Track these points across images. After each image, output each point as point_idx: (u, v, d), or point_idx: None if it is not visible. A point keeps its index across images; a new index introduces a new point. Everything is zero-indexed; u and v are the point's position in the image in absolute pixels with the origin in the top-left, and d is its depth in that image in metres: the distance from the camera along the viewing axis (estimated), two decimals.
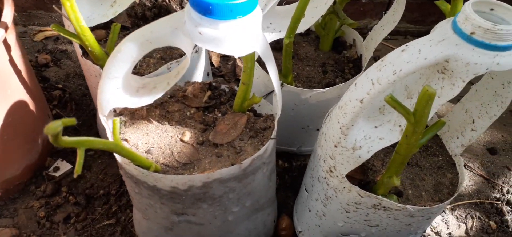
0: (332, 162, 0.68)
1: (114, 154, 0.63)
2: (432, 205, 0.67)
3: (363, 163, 0.72)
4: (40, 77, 1.27)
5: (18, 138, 0.94)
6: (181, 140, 0.72)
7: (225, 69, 1.37)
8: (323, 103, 0.89)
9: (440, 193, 0.71)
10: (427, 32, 0.57)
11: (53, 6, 0.72)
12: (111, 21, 0.83)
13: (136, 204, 0.79)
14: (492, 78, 0.66)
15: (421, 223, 0.72)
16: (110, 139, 0.66)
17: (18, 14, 1.48)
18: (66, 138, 0.48)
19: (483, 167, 1.18)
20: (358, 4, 1.49)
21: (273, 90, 0.68)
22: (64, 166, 1.06)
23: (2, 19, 0.80)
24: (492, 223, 1.05)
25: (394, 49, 0.58)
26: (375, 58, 1.40)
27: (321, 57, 1.00)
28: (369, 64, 0.66)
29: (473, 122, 0.70)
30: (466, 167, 1.17)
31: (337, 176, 0.68)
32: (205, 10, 0.50)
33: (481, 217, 1.06)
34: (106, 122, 0.66)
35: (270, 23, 0.85)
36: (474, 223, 1.05)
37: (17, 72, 0.88)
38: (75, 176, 0.52)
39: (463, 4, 0.52)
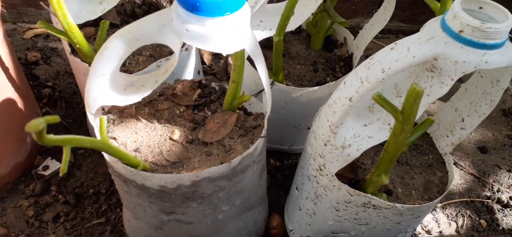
0: (322, 160, 0.67)
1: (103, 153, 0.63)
2: (421, 203, 0.67)
3: (353, 161, 0.72)
4: (30, 75, 1.26)
5: (7, 137, 0.93)
6: (171, 138, 0.71)
7: (217, 68, 1.36)
8: (314, 101, 0.89)
9: (430, 191, 0.71)
10: (418, 31, 0.57)
11: (41, 2, 0.71)
12: (100, 19, 0.82)
13: (126, 203, 0.78)
14: (481, 76, 0.66)
15: (411, 221, 0.72)
16: (98, 137, 0.66)
17: (8, 11, 1.46)
18: (52, 136, 0.48)
19: (474, 166, 1.18)
20: (350, 3, 1.49)
21: (264, 89, 0.67)
22: (53, 165, 1.05)
23: None
24: (482, 221, 1.05)
25: None
26: (366, 56, 1.39)
27: (312, 56, 1.00)
28: (359, 63, 0.66)
29: (463, 120, 0.71)
30: (457, 165, 1.17)
31: (326, 175, 0.68)
32: (192, 7, 0.49)
33: (472, 216, 1.06)
34: (94, 120, 0.66)
35: (261, 21, 0.85)
36: (465, 222, 1.05)
37: (5, 70, 0.87)
38: (61, 174, 0.51)
39: (452, 2, 0.52)
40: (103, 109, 0.73)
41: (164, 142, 0.70)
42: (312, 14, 0.97)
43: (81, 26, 0.89)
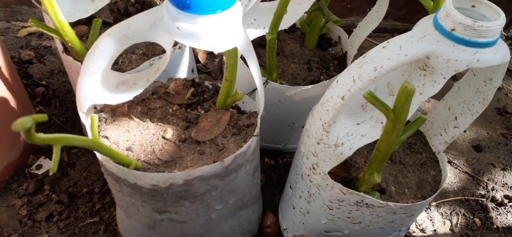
0: (315, 159, 0.67)
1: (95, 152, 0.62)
2: (414, 202, 0.66)
3: (346, 160, 0.72)
4: (23, 74, 1.25)
5: None
6: (163, 137, 0.71)
7: (212, 66, 1.36)
8: (308, 100, 0.89)
9: (423, 190, 0.71)
10: None
11: (33, 0, 0.70)
12: (93, 17, 0.82)
13: (118, 202, 0.78)
14: (474, 75, 0.66)
15: (404, 220, 0.71)
16: (90, 136, 0.65)
17: (1, 9, 1.45)
18: (41, 135, 0.47)
19: (468, 164, 1.18)
20: (345, 1, 1.49)
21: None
22: (47, 164, 1.04)
23: None
24: (477, 219, 1.05)
25: None
26: (360, 55, 1.39)
27: (306, 54, 1.00)
28: (353, 61, 0.66)
29: (456, 119, 0.70)
30: (452, 164, 1.18)
31: (319, 173, 0.68)
32: (183, 5, 0.49)
33: (466, 214, 1.06)
34: (85, 118, 0.65)
35: (254, 20, 0.85)
36: (459, 220, 1.05)
37: None
38: (51, 173, 0.51)
39: (445, 1, 0.52)
40: (95, 108, 0.72)
41: (156, 140, 0.70)
42: (306, 12, 0.97)
43: (74, 25, 0.88)
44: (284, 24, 0.84)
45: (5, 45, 0.93)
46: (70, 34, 0.72)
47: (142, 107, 0.74)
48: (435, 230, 1.02)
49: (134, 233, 0.82)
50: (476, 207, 1.08)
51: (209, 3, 0.49)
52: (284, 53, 0.99)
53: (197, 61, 1.35)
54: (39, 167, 1.03)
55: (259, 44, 0.99)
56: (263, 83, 0.86)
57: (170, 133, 0.71)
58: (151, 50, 0.86)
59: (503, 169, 1.18)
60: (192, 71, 1.00)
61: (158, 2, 0.96)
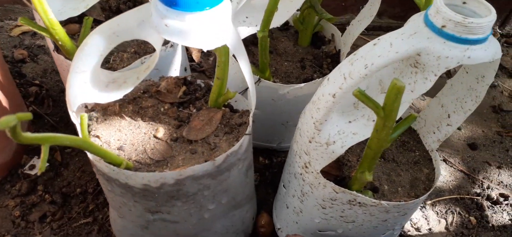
0: (307, 157, 0.67)
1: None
2: (407, 200, 0.66)
3: (338, 158, 0.72)
4: (16, 73, 1.25)
5: None
6: (155, 136, 0.70)
7: (206, 65, 1.35)
8: (301, 98, 0.88)
9: (416, 188, 0.71)
10: None
11: None
12: (84, 15, 0.81)
13: (111, 202, 0.78)
14: (467, 72, 0.66)
15: (397, 219, 0.71)
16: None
17: None
18: (28, 134, 0.47)
19: (463, 162, 1.18)
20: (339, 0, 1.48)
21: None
22: (40, 164, 1.03)
23: None
24: (472, 218, 1.05)
25: None
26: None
27: (299, 53, 0.99)
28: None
29: (449, 117, 0.70)
30: (447, 162, 1.17)
31: (312, 172, 0.67)
32: (171, 2, 0.48)
33: (461, 213, 1.06)
34: (75, 117, 0.65)
35: (246, 17, 0.84)
36: (454, 219, 1.05)
37: None
38: (38, 173, 0.50)
39: None
40: (86, 107, 0.72)
41: (148, 140, 0.70)
42: (299, 10, 0.97)
43: (65, 23, 0.88)
44: (277, 22, 0.84)
45: None
46: (60, 33, 0.71)
47: (134, 106, 0.74)
48: (430, 229, 1.02)
49: (127, 233, 0.82)
50: (472, 205, 1.08)
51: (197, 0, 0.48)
52: (277, 51, 0.99)
53: (191, 60, 1.34)
54: (33, 167, 1.03)
55: (252, 42, 0.98)
56: (256, 82, 0.86)
57: (161, 132, 0.71)
58: (142, 48, 0.85)
59: (499, 167, 1.18)
60: (185, 69, 0.99)
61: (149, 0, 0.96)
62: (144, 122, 0.72)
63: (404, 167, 0.74)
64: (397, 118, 0.58)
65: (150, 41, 0.56)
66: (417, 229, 1.01)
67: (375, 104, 0.49)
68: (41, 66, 1.30)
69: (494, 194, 1.10)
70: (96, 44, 0.56)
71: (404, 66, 0.58)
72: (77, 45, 0.78)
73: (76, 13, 0.77)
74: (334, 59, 0.97)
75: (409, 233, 1.00)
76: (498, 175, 1.16)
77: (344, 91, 0.56)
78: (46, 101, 1.19)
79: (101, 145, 0.67)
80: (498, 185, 1.13)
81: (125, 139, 0.69)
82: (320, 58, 0.97)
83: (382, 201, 0.64)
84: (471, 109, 0.66)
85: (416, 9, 0.72)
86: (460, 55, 0.50)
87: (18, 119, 0.40)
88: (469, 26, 0.49)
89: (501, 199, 1.09)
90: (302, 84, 0.85)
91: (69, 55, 0.78)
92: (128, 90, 0.65)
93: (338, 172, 0.72)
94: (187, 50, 1.34)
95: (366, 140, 0.62)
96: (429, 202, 1.07)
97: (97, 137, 0.69)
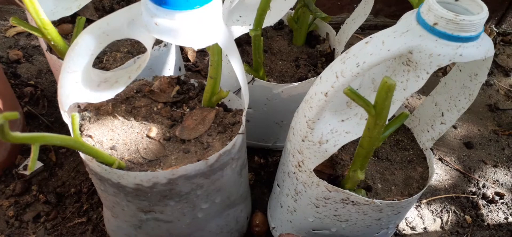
0: (300, 156, 0.67)
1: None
2: (400, 199, 0.66)
3: (332, 157, 0.72)
4: (11, 73, 1.24)
5: None
6: (148, 136, 0.70)
7: (202, 65, 1.35)
8: (296, 98, 0.88)
9: (410, 187, 0.71)
10: None
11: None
12: (77, 15, 0.81)
13: (104, 201, 0.77)
14: (460, 70, 0.65)
15: (391, 217, 0.71)
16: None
17: None
18: (18, 134, 0.47)
19: (459, 161, 1.18)
20: None
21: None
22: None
23: None
24: (467, 217, 1.05)
25: None
26: None
27: (294, 52, 0.99)
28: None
29: (443, 115, 0.70)
30: (442, 161, 1.17)
31: (305, 171, 0.67)
32: (161, 0, 0.48)
33: (457, 211, 1.06)
34: (67, 117, 0.64)
35: (240, 16, 0.84)
36: (450, 217, 1.05)
37: None
38: (28, 173, 0.50)
39: None
40: (79, 107, 0.72)
41: (141, 139, 0.69)
42: (293, 9, 0.97)
43: (59, 23, 0.87)
44: (270, 21, 0.83)
45: None
46: (52, 33, 0.71)
47: (127, 106, 0.73)
48: (425, 228, 1.02)
49: (121, 233, 0.81)
50: (467, 204, 1.08)
51: None
52: (272, 50, 0.98)
53: (187, 59, 1.34)
54: (27, 167, 1.02)
55: (246, 41, 0.98)
56: (250, 81, 0.86)
57: (154, 131, 0.70)
58: (136, 48, 0.85)
59: (494, 166, 1.18)
60: (180, 69, 0.99)
61: None
62: (137, 121, 0.72)
63: (398, 166, 0.74)
64: (390, 116, 0.58)
65: (141, 40, 0.56)
66: (412, 228, 1.01)
67: (365, 102, 0.49)
68: (36, 66, 1.29)
69: (489, 193, 1.10)
70: (87, 44, 0.56)
71: (396, 64, 0.58)
72: (70, 45, 0.77)
73: (69, 12, 0.77)
74: (329, 58, 0.97)
75: (404, 232, 1.00)
76: (494, 174, 1.16)
77: (336, 90, 0.56)
78: (41, 102, 1.18)
79: (93, 145, 0.67)
80: (494, 183, 1.13)
81: (118, 138, 0.69)
82: (315, 57, 0.97)
83: (375, 200, 0.64)
84: (464, 108, 0.66)
85: (412, 8, 0.72)
86: (452, 53, 0.50)
87: (4, 118, 0.39)
88: (461, 23, 0.48)
89: (497, 198, 1.09)
90: (296, 84, 0.85)
91: (61, 55, 0.77)
92: (119, 89, 0.65)
93: (332, 170, 0.71)
94: (182, 50, 1.34)
95: (360, 138, 0.62)
96: (424, 200, 1.07)
97: (90, 136, 0.69)
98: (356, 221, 0.70)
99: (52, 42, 0.73)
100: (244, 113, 0.69)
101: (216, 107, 0.74)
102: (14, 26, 1.40)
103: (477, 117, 1.31)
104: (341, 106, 0.64)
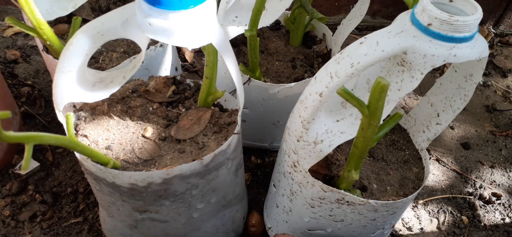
0: (296, 156, 0.67)
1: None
2: (395, 199, 0.66)
3: (327, 157, 0.72)
4: (8, 73, 1.24)
5: None
6: (143, 136, 0.70)
7: (199, 65, 1.35)
8: (292, 98, 0.88)
9: (405, 187, 0.71)
10: None
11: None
12: (74, 15, 0.81)
13: (100, 201, 0.77)
14: (456, 71, 0.65)
15: (386, 218, 0.71)
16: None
17: None
18: (11, 133, 0.47)
19: (456, 162, 1.18)
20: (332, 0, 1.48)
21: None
22: (31, 164, 1.03)
23: None
24: (464, 217, 1.05)
25: None
26: None
27: (291, 52, 0.99)
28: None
29: (438, 116, 0.70)
30: (440, 161, 1.17)
31: (300, 171, 0.67)
32: (154, 0, 0.48)
33: (454, 212, 1.06)
34: (62, 117, 0.64)
35: (236, 17, 0.84)
36: (446, 218, 1.05)
37: None
38: (22, 172, 0.50)
39: None
40: (74, 106, 0.71)
41: (136, 139, 0.69)
42: (289, 9, 0.97)
43: (55, 23, 0.87)
44: (266, 21, 0.83)
45: None
46: (48, 32, 0.71)
47: (122, 105, 0.73)
48: (422, 228, 1.02)
49: (117, 232, 0.81)
50: (464, 205, 1.08)
51: None
52: (268, 51, 0.98)
53: (184, 60, 1.34)
54: None
55: (243, 42, 0.98)
56: (246, 81, 0.86)
57: (150, 131, 0.70)
58: (132, 48, 0.85)
59: (491, 167, 1.18)
60: (176, 69, 0.99)
61: None
62: (132, 121, 0.72)
63: (394, 166, 0.74)
64: (385, 117, 0.58)
65: (136, 40, 0.56)
66: (409, 229, 1.01)
67: (359, 102, 0.49)
68: (33, 66, 1.29)
69: (486, 194, 1.10)
70: (81, 43, 0.56)
71: (391, 65, 0.58)
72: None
73: (64, 13, 0.77)
74: (325, 59, 0.97)
75: (400, 232, 1.00)
76: (491, 175, 1.16)
77: (331, 90, 0.56)
78: (38, 102, 1.18)
79: (89, 144, 0.67)
80: (491, 184, 1.13)
81: (113, 138, 0.69)
82: (311, 58, 0.97)
83: (370, 200, 0.64)
84: (459, 108, 0.66)
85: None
86: (446, 53, 0.50)
87: None
88: (455, 24, 0.48)
89: (494, 199, 1.09)
90: (292, 84, 0.85)
91: (57, 55, 0.77)
92: (114, 89, 0.65)
93: (327, 171, 0.71)
94: (180, 50, 1.34)
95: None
96: (421, 201, 1.07)
97: (85, 136, 0.68)
98: (352, 221, 0.70)
99: (48, 42, 0.73)
100: (239, 114, 0.69)
101: (212, 107, 0.74)
102: (12, 26, 1.40)
103: (474, 118, 1.31)
104: (336, 107, 0.64)
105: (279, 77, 0.92)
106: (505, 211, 1.08)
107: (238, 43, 0.98)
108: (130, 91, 0.75)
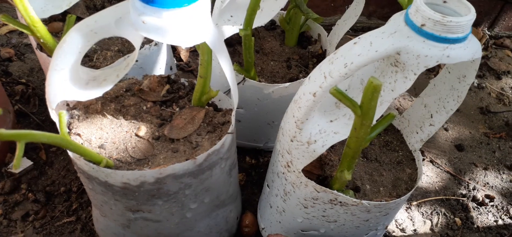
0: (289, 156, 0.67)
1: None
2: (388, 200, 0.66)
3: (320, 157, 0.72)
4: (2, 71, 1.23)
5: None
6: (136, 135, 0.70)
7: (195, 65, 1.35)
8: (286, 98, 0.88)
9: (398, 188, 0.71)
10: None
11: None
12: (68, 13, 0.81)
13: (92, 200, 0.77)
14: (449, 72, 0.66)
15: (379, 219, 0.71)
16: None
17: None
18: (3, 131, 0.47)
19: (450, 163, 1.18)
20: (328, 0, 1.48)
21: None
22: (24, 163, 1.02)
23: None
24: (457, 219, 1.05)
25: None
26: None
27: (286, 52, 0.99)
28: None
29: (432, 117, 0.70)
30: (433, 163, 1.17)
31: (294, 171, 0.67)
32: None
33: (447, 214, 1.06)
34: (55, 115, 0.64)
35: (231, 16, 0.84)
36: (440, 220, 1.05)
37: None
38: (13, 170, 0.50)
39: None
40: (68, 105, 0.71)
41: (129, 138, 0.69)
42: (283, 9, 0.97)
43: (49, 21, 0.87)
44: (261, 21, 0.83)
45: None
46: (42, 30, 0.71)
47: (116, 104, 0.73)
48: (415, 230, 1.02)
49: (110, 232, 0.81)
50: (457, 206, 1.08)
51: None
52: (263, 50, 0.98)
53: (179, 59, 1.34)
54: None
55: (238, 41, 0.98)
56: (241, 81, 0.86)
57: (143, 130, 0.70)
58: (126, 47, 0.85)
59: (485, 169, 1.18)
60: (171, 68, 0.99)
61: None
62: (126, 120, 0.72)
63: (387, 167, 0.74)
64: (378, 117, 0.58)
65: (129, 38, 0.56)
66: (402, 230, 1.01)
67: (352, 102, 0.49)
68: (28, 65, 1.29)
69: (479, 195, 1.10)
70: (74, 41, 0.55)
71: (384, 65, 0.58)
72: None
73: (59, 11, 0.77)
74: (320, 59, 0.97)
75: (394, 233, 1.00)
76: (484, 177, 1.16)
77: (324, 90, 0.56)
78: (32, 100, 1.18)
79: (82, 143, 0.67)
80: (484, 186, 1.14)
81: (107, 137, 0.69)
82: (306, 58, 0.97)
83: (363, 201, 0.64)
84: (453, 109, 0.66)
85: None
86: (439, 54, 0.50)
87: None
88: (448, 25, 0.49)
89: (487, 200, 1.10)
90: (287, 84, 0.85)
91: (51, 53, 0.77)
92: (108, 88, 0.64)
93: (320, 171, 0.71)
94: (175, 50, 1.34)
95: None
96: (414, 202, 1.07)
97: (78, 134, 0.68)
98: (345, 222, 0.70)
99: (41, 40, 0.73)
100: (233, 113, 0.69)
101: (206, 106, 0.74)
102: (6, 24, 1.39)
103: (468, 120, 1.32)
104: (330, 107, 0.64)
105: (274, 77, 0.92)
106: (498, 213, 1.08)
107: (233, 43, 0.98)
108: (124, 90, 0.75)
